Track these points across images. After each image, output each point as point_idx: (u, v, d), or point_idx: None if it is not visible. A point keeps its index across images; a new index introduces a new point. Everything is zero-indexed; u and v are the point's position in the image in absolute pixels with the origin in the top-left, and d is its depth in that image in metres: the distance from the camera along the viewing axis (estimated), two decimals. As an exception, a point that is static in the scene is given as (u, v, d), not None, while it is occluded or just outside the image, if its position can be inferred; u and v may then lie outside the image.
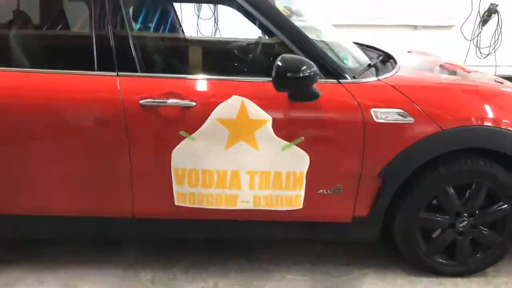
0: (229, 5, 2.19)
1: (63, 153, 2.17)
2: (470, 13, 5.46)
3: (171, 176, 2.17)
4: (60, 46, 2.54)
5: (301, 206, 2.22)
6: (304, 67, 1.96)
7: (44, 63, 2.22)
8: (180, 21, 3.51)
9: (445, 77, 2.65)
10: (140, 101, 2.08)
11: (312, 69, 1.97)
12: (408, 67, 2.52)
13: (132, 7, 2.53)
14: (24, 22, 2.51)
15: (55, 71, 2.16)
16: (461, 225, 2.29)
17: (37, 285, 2.33)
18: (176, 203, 2.22)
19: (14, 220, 2.28)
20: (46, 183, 2.22)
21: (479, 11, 5.46)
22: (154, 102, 2.09)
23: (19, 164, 2.18)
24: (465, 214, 2.28)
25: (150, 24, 2.95)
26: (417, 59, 2.95)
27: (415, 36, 5.54)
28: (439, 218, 2.30)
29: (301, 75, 1.95)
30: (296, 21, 2.29)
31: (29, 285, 2.33)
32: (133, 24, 2.80)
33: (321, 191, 2.22)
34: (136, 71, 2.16)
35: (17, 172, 2.20)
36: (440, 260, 2.37)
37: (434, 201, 2.29)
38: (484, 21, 5.50)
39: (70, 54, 2.27)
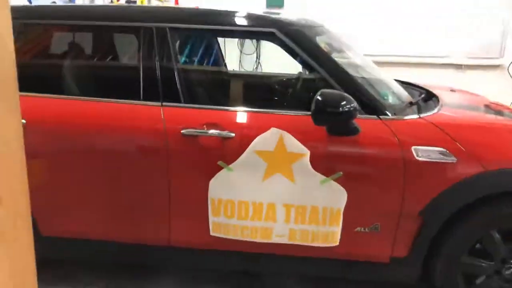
0: (271, 41, 2.25)
1: (105, 179, 2.24)
2: (518, 53, 5.33)
3: (208, 206, 2.19)
4: (109, 76, 2.66)
5: (337, 243, 2.17)
6: (344, 102, 1.96)
7: (94, 92, 2.33)
8: (224, 55, 3.61)
9: (490, 117, 2.58)
10: (182, 131, 2.14)
11: (352, 105, 1.97)
12: (451, 105, 2.47)
13: (178, 40, 2.63)
14: (77, 53, 2.66)
15: (103, 99, 2.26)
16: (508, 272, 2.17)
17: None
18: (211, 233, 2.23)
19: (57, 242, 2.35)
20: (88, 209, 2.29)
21: (527, 51, 5.34)
22: (195, 132, 2.14)
23: (64, 189, 2.27)
24: (512, 261, 2.17)
25: (195, 58, 3.06)
26: (461, 98, 2.89)
27: (459, 76, 5.44)
28: (483, 264, 2.19)
29: (341, 110, 1.96)
30: (337, 58, 2.32)
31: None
32: (179, 57, 2.91)
33: (358, 228, 2.18)
34: (180, 102, 2.23)
35: (61, 197, 2.28)
36: (484, 308, 2.25)
37: (478, 245, 2.19)
38: (534, 61, 5.35)
39: (118, 84, 2.38)
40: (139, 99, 2.23)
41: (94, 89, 2.43)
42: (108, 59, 2.65)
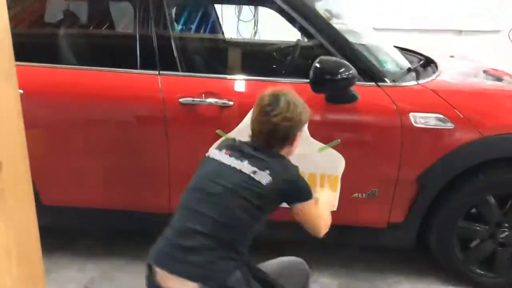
0: (269, 7, 2.22)
1: (104, 148, 2.25)
2: (519, 18, 5.26)
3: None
4: (105, 45, 2.64)
5: (335, 209, 2.20)
6: (342, 69, 1.96)
7: (90, 61, 2.32)
8: (221, 22, 3.56)
9: (489, 83, 2.57)
10: (180, 100, 2.14)
11: (350, 72, 1.96)
12: (450, 72, 2.46)
13: (174, 8, 2.60)
14: (72, 21, 2.62)
15: (99, 68, 2.25)
16: (502, 236, 2.22)
17: (79, 273, 2.43)
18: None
19: (57, 210, 2.38)
20: (88, 178, 2.31)
21: (528, 16, 5.26)
22: (193, 101, 2.14)
23: (64, 158, 2.29)
24: (506, 225, 2.21)
25: (192, 25, 3.02)
26: (459, 64, 2.87)
27: (459, 41, 5.38)
28: (478, 228, 2.23)
29: (339, 77, 1.95)
30: (336, 24, 2.29)
31: (71, 272, 2.43)
32: (175, 25, 2.87)
33: (356, 195, 2.21)
34: (177, 71, 2.22)
35: (61, 167, 2.30)
36: (478, 270, 2.30)
37: (474, 210, 2.23)
38: (534, 26, 5.29)
39: (115, 53, 2.36)
40: (136, 68, 2.22)
41: (91, 58, 2.41)
42: (104, 27, 2.62)
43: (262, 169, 1.56)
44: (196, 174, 1.68)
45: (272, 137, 1.62)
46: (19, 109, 1.18)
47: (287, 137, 1.64)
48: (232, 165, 1.58)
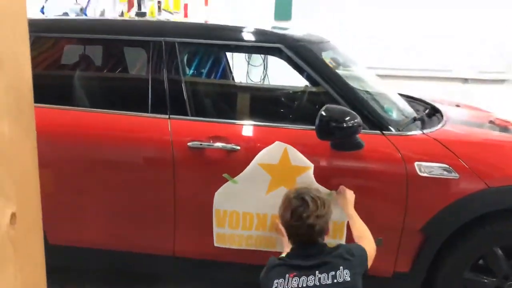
0: (278, 56, 2.29)
1: (112, 189, 2.28)
2: (525, 68, 5.34)
3: (212, 217, 2.22)
4: (118, 89, 2.72)
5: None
6: (348, 118, 1.99)
7: (104, 104, 2.38)
8: (231, 67, 3.66)
9: (494, 134, 2.59)
10: (189, 143, 2.18)
11: (356, 120, 2.00)
12: (456, 121, 2.50)
13: (187, 53, 2.69)
14: (87, 65, 2.71)
15: (111, 111, 2.31)
16: (510, 289, 2.18)
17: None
18: (215, 244, 2.26)
19: (64, 251, 2.38)
20: (95, 218, 2.33)
21: (534, 65, 5.34)
22: (201, 144, 2.18)
23: (72, 198, 2.32)
24: (514, 277, 2.18)
25: (203, 71, 3.10)
26: (465, 114, 2.91)
27: (465, 89, 5.45)
28: (485, 280, 2.20)
29: (345, 125, 1.99)
30: (342, 72, 2.35)
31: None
32: (187, 69, 2.96)
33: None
34: (187, 115, 2.27)
35: (69, 206, 2.32)
36: (485, 324, 2.25)
37: (481, 262, 2.20)
38: (540, 75, 5.35)
39: (127, 97, 2.43)
40: (147, 112, 2.27)
41: (104, 102, 2.48)
42: (118, 72, 2.71)
43: (336, 269, 1.67)
44: None
45: (312, 235, 1.74)
46: (36, 160, 1.21)
47: (323, 230, 1.77)
48: (310, 284, 1.66)
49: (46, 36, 2.45)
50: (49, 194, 2.25)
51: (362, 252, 1.79)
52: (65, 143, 2.27)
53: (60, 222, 2.35)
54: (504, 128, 2.70)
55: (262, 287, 1.80)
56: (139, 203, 2.28)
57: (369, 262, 1.81)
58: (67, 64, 2.68)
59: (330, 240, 2.16)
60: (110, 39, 2.44)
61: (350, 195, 2.06)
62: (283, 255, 1.87)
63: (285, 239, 1.96)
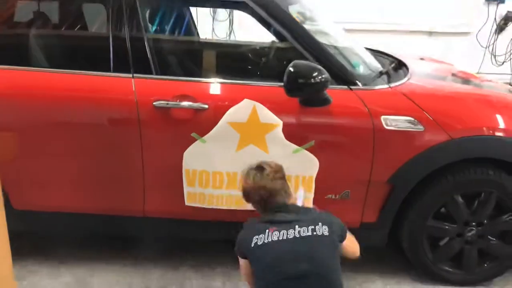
0: (243, 11, 2.23)
1: (77, 152, 2.23)
2: (486, 20, 5.42)
3: (182, 177, 2.21)
4: (77, 46, 2.60)
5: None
6: (316, 74, 1.98)
7: (62, 63, 2.28)
8: (196, 23, 3.55)
9: (457, 86, 2.65)
10: (154, 103, 2.13)
11: (324, 76, 2.00)
12: (420, 74, 2.53)
13: (148, 9, 2.58)
14: (43, 22, 2.57)
15: (71, 71, 2.21)
16: (469, 234, 2.29)
17: (51, 279, 2.39)
18: (186, 203, 2.26)
19: (30, 216, 2.34)
20: (61, 182, 2.28)
21: (495, 19, 5.42)
22: (167, 104, 2.13)
23: (36, 162, 2.25)
24: (474, 224, 2.29)
25: (166, 27, 3.00)
26: (429, 67, 2.95)
27: (430, 42, 5.51)
28: (447, 227, 2.30)
29: (313, 81, 1.98)
30: (309, 27, 2.32)
31: (43, 277, 2.39)
32: (150, 26, 2.85)
33: (329, 195, 2.24)
34: (151, 73, 2.20)
35: (33, 170, 2.26)
36: (447, 268, 2.38)
37: (443, 209, 2.30)
38: (501, 28, 5.46)
39: (87, 55, 2.33)
40: (109, 71, 2.19)
41: (63, 61, 2.37)
42: (76, 29, 2.58)
43: (315, 224, 1.72)
44: (261, 266, 1.72)
45: (280, 191, 1.81)
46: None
47: (287, 184, 1.87)
48: (290, 237, 1.69)
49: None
50: (12, 160, 2.19)
51: (335, 218, 1.83)
52: (24, 105, 2.17)
53: (24, 187, 2.29)
54: (466, 81, 2.77)
55: (239, 247, 1.81)
56: (106, 165, 2.24)
57: (349, 247, 1.86)
58: (21, 22, 2.53)
59: (300, 193, 2.21)
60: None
61: None
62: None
63: None
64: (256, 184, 1.82)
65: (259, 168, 1.86)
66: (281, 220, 1.75)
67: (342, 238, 1.80)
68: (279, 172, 1.86)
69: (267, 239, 1.70)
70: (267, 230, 1.72)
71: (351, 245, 1.89)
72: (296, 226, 1.71)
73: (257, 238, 1.72)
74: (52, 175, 2.27)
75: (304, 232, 1.70)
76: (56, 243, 2.63)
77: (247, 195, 1.87)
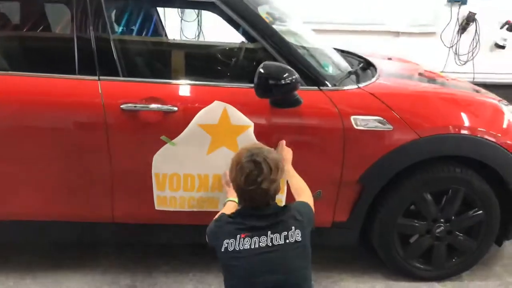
0: (212, 11, 2.20)
1: (43, 157, 2.15)
2: (450, 21, 5.56)
3: (152, 181, 2.17)
4: (41, 48, 2.51)
5: None
6: (286, 75, 1.98)
7: (25, 65, 2.20)
8: (164, 23, 3.50)
9: (424, 85, 2.70)
10: (122, 106, 2.08)
11: (294, 77, 1.99)
12: (388, 74, 2.56)
13: (115, 10, 2.52)
14: (4, 23, 2.47)
15: (35, 74, 2.14)
16: (438, 230, 2.34)
17: (16, 290, 2.31)
18: (156, 207, 2.22)
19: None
20: (26, 188, 2.20)
21: (458, 19, 5.57)
22: (135, 106, 2.08)
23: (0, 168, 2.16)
24: (442, 220, 2.33)
25: (133, 28, 2.94)
26: (397, 67, 3.00)
27: (397, 42, 5.61)
28: (416, 224, 2.34)
29: (283, 82, 1.97)
30: (279, 27, 2.32)
31: (8, 289, 2.30)
32: (116, 27, 2.79)
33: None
34: (118, 75, 2.15)
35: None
36: (417, 264, 2.42)
37: (412, 207, 2.34)
38: (463, 28, 5.61)
39: (51, 57, 2.26)
40: (74, 73, 2.13)
41: (26, 64, 2.29)
42: (39, 31, 2.49)
43: (288, 229, 1.66)
44: (234, 277, 1.67)
45: (266, 198, 1.70)
46: None
47: (277, 190, 1.73)
48: (263, 245, 1.63)
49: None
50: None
51: (309, 209, 1.81)
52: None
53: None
54: (432, 80, 2.83)
55: (209, 240, 1.75)
56: (73, 170, 2.17)
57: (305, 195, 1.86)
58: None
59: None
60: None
61: (287, 152, 2.06)
62: (232, 212, 1.80)
63: (231, 191, 1.92)
64: (245, 186, 1.66)
65: (256, 165, 1.65)
66: (255, 227, 1.68)
67: (312, 225, 1.78)
68: (276, 180, 1.68)
69: (239, 246, 1.65)
70: (238, 236, 1.66)
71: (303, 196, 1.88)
72: (269, 233, 1.66)
73: (228, 243, 1.66)
74: (17, 182, 2.19)
75: (276, 240, 1.65)
76: (20, 253, 2.54)
77: (233, 182, 1.74)
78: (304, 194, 1.92)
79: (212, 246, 1.77)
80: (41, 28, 2.49)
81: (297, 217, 1.72)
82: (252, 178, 1.65)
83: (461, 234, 2.37)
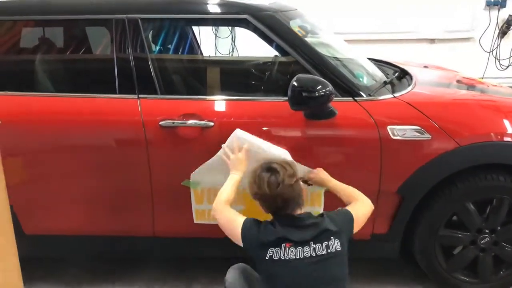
0: (244, 27, 2.25)
1: (86, 174, 2.23)
2: (489, 25, 5.42)
3: (191, 195, 2.21)
4: (83, 71, 2.63)
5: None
6: (320, 87, 1.98)
7: (68, 87, 2.30)
8: (199, 40, 3.58)
9: (462, 93, 2.64)
10: (161, 123, 2.14)
11: (327, 88, 1.99)
12: (425, 83, 2.52)
13: (151, 30, 2.61)
14: (48, 47, 2.60)
15: (77, 94, 2.24)
16: (483, 241, 2.26)
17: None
18: (195, 221, 2.25)
19: (39, 240, 2.35)
20: (70, 205, 2.29)
21: (497, 23, 5.42)
22: (173, 123, 2.14)
23: (45, 186, 2.26)
24: (487, 231, 2.26)
25: (169, 47, 3.03)
26: (433, 75, 2.95)
27: (433, 49, 5.52)
28: (459, 235, 2.27)
29: (317, 94, 1.98)
30: (311, 40, 2.33)
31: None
32: (153, 46, 2.88)
33: (340, 208, 2.22)
34: (156, 93, 2.22)
35: (44, 194, 2.27)
36: (462, 277, 2.34)
37: (455, 218, 2.27)
38: (503, 32, 5.45)
39: (93, 77, 2.35)
40: (115, 93, 2.21)
41: (69, 85, 2.40)
42: (81, 53, 2.60)
43: (328, 239, 1.71)
44: (278, 285, 1.71)
45: (297, 198, 1.77)
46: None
47: (301, 191, 1.80)
48: (307, 255, 1.68)
49: (3, 19, 2.33)
50: (22, 184, 2.21)
51: (346, 217, 1.82)
52: (33, 130, 2.19)
53: (35, 211, 2.30)
54: (471, 86, 2.76)
55: (251, 245, 1.75)
56: (115, 186, 2.24)
57: (362, 221, 1.87)
58: (27, 48, 2.56)
59: (308, 209, 2.19)
60: (70, 19, 2.34)
61: (322, 172, 2.08)
62: (269, 220, 1.83)
63: (232, 163, 2.01)
64: (272, 191, 1.73)
65: (272, 170, 1.76)
66: (296, 234, 1.71)
67: (350, 232, 1.80)
68: (294, 174, 1.77)
69: (284, 255, 1.68)
70: (283, 244, 1.70)
71: (360, 224, 1.86)
72: (311, 243, 1.70)
73: (273, 251, 1.69)
74: (62, 199, 2.28)
75: (319, 250, 1.69)
76: (66, 267, 2.63)
77: (259, 199, 1.80)
78: (356, 203, 1.94)
79: (248, 250, 1.76)
80: (83, 50, 2.60)
81: (332, 227, 1.74)
82: (273, 180, 1.74)
83: (508, 245, 2.28)
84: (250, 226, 1.79)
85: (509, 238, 2.28)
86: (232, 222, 1.83)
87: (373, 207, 1.95)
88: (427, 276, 2.41)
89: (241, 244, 1.79)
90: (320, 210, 2.20)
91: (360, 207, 1.91)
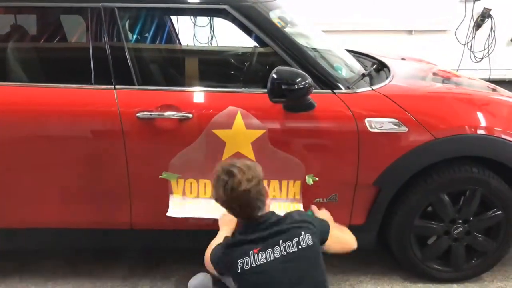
0: (224, 18, 2.22)
1: (61, 166, 2.19)
2: (464, 18, 5.50)
3: (169, 187, 2.19)
4: (57, 59, 2.56)
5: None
6: (299, 79, 1.98)
7: (41, 76, 2.24)
8: (177, 30, 3.53)
9: (438, 86, 2.68)
10: (138, 114, 2.11)
11: (307, 81, 2.00)
12: (402, 75, 2.55)
13: (128, 19, 2.56)
14: (21, 35, 2.52)
15: (52, 85, 2.18)
16: (456, 231, 2.32)
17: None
18: (168, 213, 2.24)
19: (13, 233, 2.30)
20: (45, 196, 2.24)
21: (472, 16, 5.51)
22: (151, 114, 2.11)
23: (18, 178, 2.21)
24: (460, 221, 2.31)
25: (147, 35, 2.98)
26: (410, 67, 2.98)
27: (410, 40, 5.57)
28: (434, 225, 2.32)
29: (296, 87, 1.98)
30: (290, 30, 2.32)
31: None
32: (130, 36, 2.83)
33: (317, 199, 2.25)
34: (133, 84, 2.18)
35: (16, 186, 2.22)
36: (436, 266, 2.40)
37: (429, 208, 2.32)
38: (478, 25, 5.54)
39: (68, 67, 2.30)
40: (90, 83, 2.17)
41: (42, 75, 2.33)
42: (56, 42, 2.54)
43: (298, 235, 1.68)
44: None
45: (254, 202, 1.71)
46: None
47: (261, 193, 1.74)
48: (277, 256, 1.66)
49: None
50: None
51: (322, 221, 1.86)
52: (4, 122, 2.13)
53: (7, 203, 2.24)
54: (446, 79, 2.80)
55: (219, 269, 1.79)
56: (91, 178, 2.21)
57: (335, 240, 1.86)
58: (-2, 36, 2.49)
59: (286, 200, 2.21)
60: (43, 7, 2.27)
61: (323, 214, 2.09)
62: (229, 236, 1.87)
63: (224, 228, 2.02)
64: (227, 196, 1.70)
65: (230, 173, 1.70)
66: (261, 237, 1.69)
67: (324, 239, 1.80)
68: (253, 177, 1.70)
69: (254, 262, 1.65)
70: (251, 252, 1.67)
71: (336, 242, 1.87)
72: (281, 242, 1.67)
73: (242, 262, 1.66)
74: (36, 190, 2.23)
75: (290, 248, 1.66)
76: (42, 260, 2.59)
77: (221, 204, 1.78)
78: (341, 228, 1.98)
79: (220, 274, 1.78)
80: (57, 39, 2.54)
81: (299, 219, 1.74)
82: (229, 186, 1.69)
83: (480, 235, 2.34)
84: (215, 252, 1.81)
85: (481, 228, 2.34)
86: (207, 259, 1.87)
87: (354, 246, 1.96)
88: (402, 266, 2.46)
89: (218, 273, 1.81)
90: (300, 200, 2.22)
91: (342, 232, 1.94)
